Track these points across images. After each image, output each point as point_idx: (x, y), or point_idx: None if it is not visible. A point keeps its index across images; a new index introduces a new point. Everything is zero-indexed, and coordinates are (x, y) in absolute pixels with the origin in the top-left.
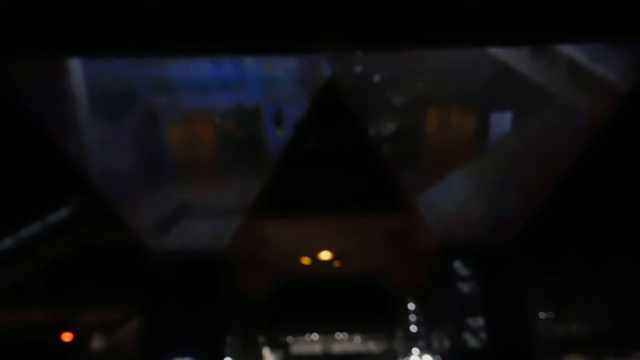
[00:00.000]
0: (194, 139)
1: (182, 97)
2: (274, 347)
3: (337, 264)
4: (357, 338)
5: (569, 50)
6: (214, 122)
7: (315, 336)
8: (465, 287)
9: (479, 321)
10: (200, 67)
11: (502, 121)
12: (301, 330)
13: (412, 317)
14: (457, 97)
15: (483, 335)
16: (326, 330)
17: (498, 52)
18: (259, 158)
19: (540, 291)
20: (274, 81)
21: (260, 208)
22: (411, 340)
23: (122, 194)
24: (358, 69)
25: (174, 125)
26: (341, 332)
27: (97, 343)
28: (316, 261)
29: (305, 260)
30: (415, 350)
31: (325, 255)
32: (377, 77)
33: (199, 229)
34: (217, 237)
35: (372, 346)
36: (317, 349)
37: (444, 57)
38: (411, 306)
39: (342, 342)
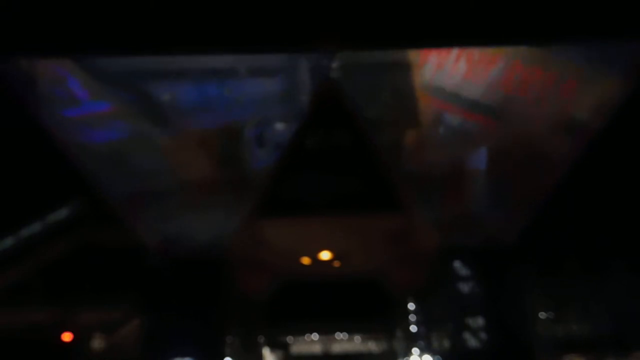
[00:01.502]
0: (179, 158)
1: (168, 116)
2: (274, 347)
3: (337, 264)
4: (357, 338)
5: (568, 51)
6: (197, 141)
7: (315, 336)
8: (465, 287)
9: (479, 321)
10: (184, 88)
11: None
12: (301, 330)
13: (412, 317)
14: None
15: (483, 335)
16: (326, 330)
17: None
18: (242, 178)
19: (540, 291)
20: (258, 101)
21: (260, 209)
22: (411, 340)
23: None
24: (356, 69)
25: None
26: (341, 332)
27: (97, 343)
28: (316, 261)
29: (305, 260)
30: (415, 350)
31: (325, 255)
32: (376, 78)
33: (188, 245)
34: (204, 252)
35: (372, 346)
36: (317, 349)
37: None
38: (411, 306)
39: (342, 342)
